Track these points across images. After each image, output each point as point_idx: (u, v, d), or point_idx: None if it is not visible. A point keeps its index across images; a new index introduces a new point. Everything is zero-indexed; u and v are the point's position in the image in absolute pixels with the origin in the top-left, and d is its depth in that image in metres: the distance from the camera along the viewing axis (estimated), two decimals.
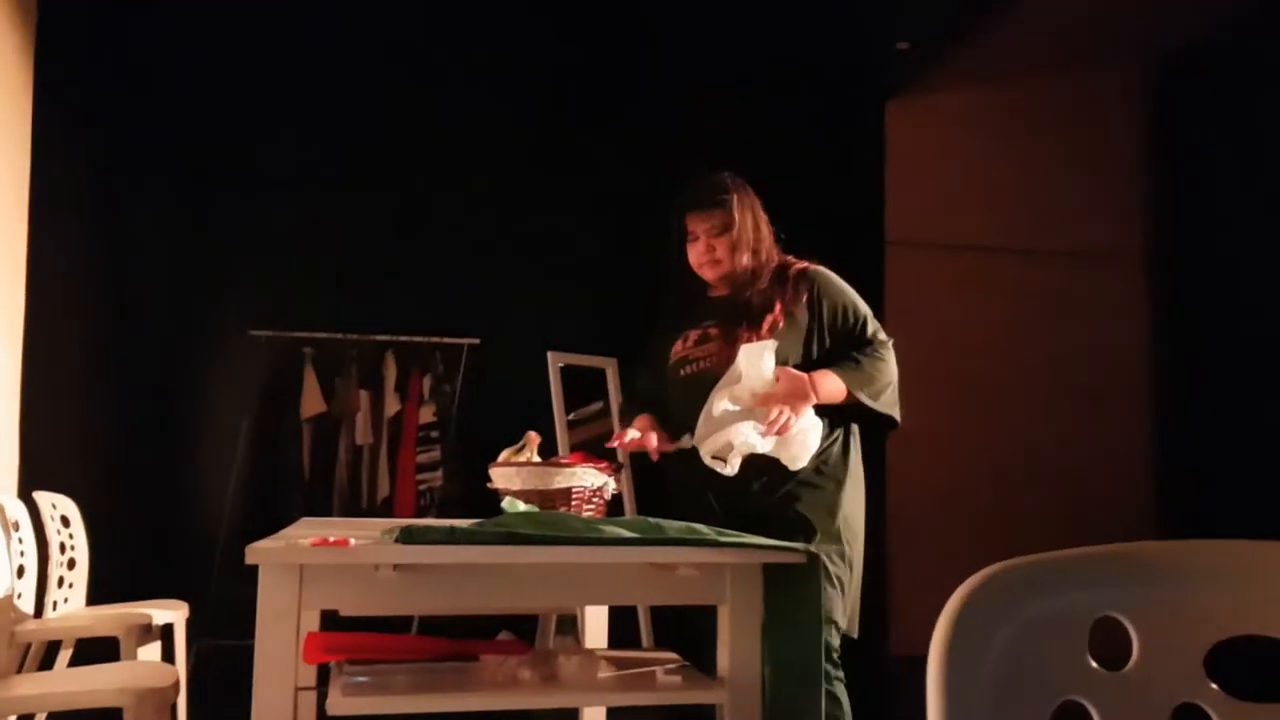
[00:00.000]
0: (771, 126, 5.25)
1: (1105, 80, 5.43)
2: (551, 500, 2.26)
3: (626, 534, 1.92)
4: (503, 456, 2.47)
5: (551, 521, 1.95)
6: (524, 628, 3.95)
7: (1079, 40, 4.85)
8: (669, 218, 2.74)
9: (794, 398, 2.44)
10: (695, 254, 2.69)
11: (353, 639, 2.10)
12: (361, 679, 1.94)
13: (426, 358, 5.21)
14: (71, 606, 3.71)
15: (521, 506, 2.19)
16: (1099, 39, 4.91)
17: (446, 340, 5.21)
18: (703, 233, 2.67)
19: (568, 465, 2.35)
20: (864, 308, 2.68)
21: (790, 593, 1.96)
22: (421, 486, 5.09)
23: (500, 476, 2.37)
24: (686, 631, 2.35)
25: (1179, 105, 5.31)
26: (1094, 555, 0.69)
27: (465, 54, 5.33)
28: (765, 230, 2.70)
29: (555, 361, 4.89)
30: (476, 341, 5.22)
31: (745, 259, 2.64)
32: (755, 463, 2.43)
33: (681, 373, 2.65)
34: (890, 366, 2.62)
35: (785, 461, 2.42)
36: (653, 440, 2.58)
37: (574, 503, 2.29)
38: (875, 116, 5.68)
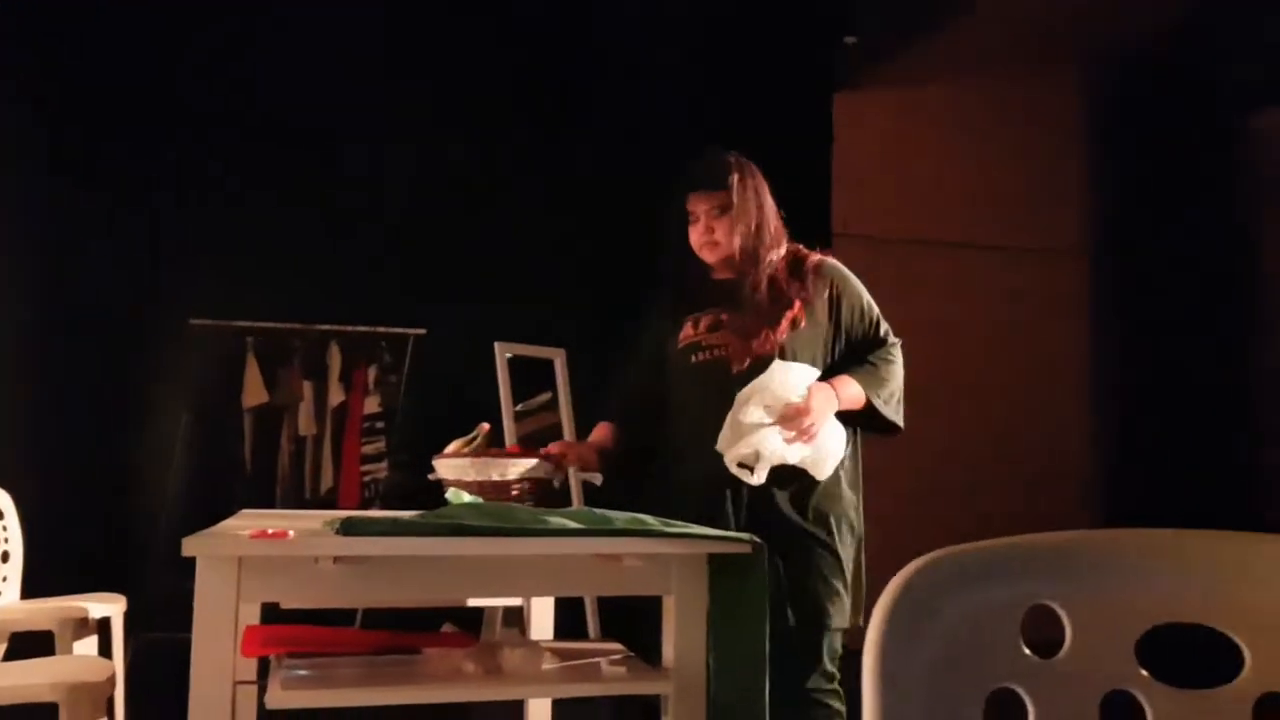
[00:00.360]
0: (720, 119, 5.26)
1: (1051, 78, 5.51)
2: (503, 492, 2.24)
3: (572, 525, 1.91)
4: (452, 447, 2.44)
5: (496, 513, 1.94)
6: (469, 620, 3.93)
7: (1026, 39, 4.92)
8: (670, 200, 2.70)
9: (822, 407, 2.48)
10: (695, 235, 2.66)
11: (292, 632, 2.08)
12: (302, 672, 1.92)
13: (372, 348, 5.16)
14: (5, 600, 3.63)
15: (466, 497, 2.17)
16: (1046, 38, 4.98)
17: (392, 330, 5.16)
18: (703, 213, 2.64)
19: (520, 457, 2.33)
20: (875, 306, 2.70)
21: (737, 583, 1.97)
22: (366, 478, 5.04)
23: (449, 468, 2.34)
24: (638, 621, 2.34)
25: (1122, 103, 5.40)
26: (1027, 544, 0.69)
27: (410, 41, 5.28)
28: (770, 213, 2.67)
29: (502, 352, 4.85)
30: (422, 332, 5.17)
31: (746, 241, 2.61)
32: (776, 470, 2.47)
33: (693, 359, 2.63)
34: (899, 369, 2.64)
35: (811, 470, 2.46)
36: (567, 464, 2.62)
37: (515, 493, 2.28)
38: (823, 110, 5.72)
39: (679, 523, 2.04)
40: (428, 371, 5.17)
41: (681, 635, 1.96)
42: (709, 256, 2.66)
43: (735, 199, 2.61)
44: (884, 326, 2.69)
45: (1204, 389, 4.97)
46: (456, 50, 5.31)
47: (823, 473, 2.48)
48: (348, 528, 1.83)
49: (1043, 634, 0.74)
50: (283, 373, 5.08)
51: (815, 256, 2.69)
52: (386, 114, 5.22)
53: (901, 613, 0.66)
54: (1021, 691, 0.68)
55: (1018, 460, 5.58)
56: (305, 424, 5.02)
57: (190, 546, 1.76)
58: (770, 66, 5.52)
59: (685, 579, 1.97)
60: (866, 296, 2.70)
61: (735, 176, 2.63)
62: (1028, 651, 0.69)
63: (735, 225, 2.61)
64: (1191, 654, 0.92)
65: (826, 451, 2.48)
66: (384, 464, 5.06)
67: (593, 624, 4.67)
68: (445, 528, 1.83)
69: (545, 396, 5.16)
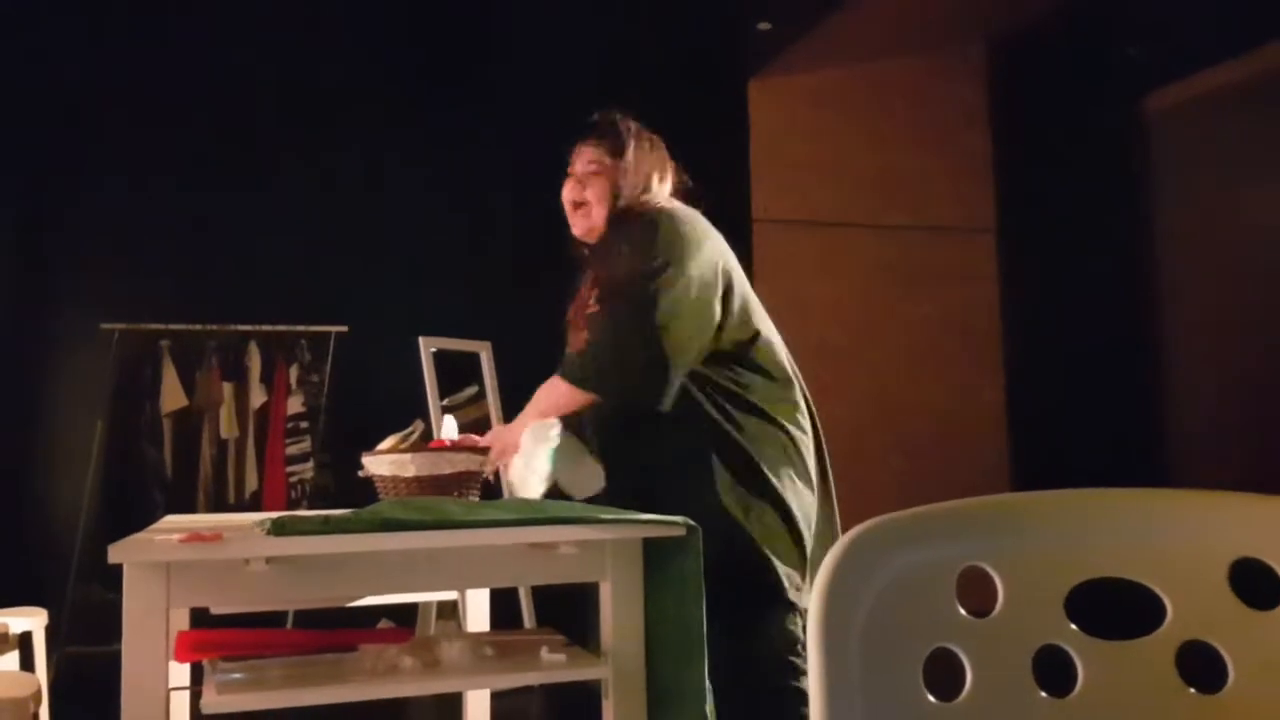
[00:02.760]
0: (635, 107, 5.27)
1: (954, 60, 5.62)
2: (445, 488, 2.22)
3: (505, 516, 1.91)
4: (388, 444, 2.39)
5: (427, 507, 1.93)
6: (406, 616, 3.90)
7: (933, 21, 5.00)
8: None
9: (500, 436, 2.35)
10: (565, 190, 2.37)
11: (225, 635, 2.04)
12: (236, 675, 1.89)
13: (292, 347, 5.08)
14: None
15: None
16: (952, 20, 5.07)
17: (313, 328, 5.09)
18: (579, 165, 2.35)
19: (462, 449, 2.29)
20: (672, 251, 2.17)
21: (672, 566, 1.98)
22: (292, 479, 4.97)
23: (385, 464, 2.29)
24: (576, 608, 2.33)
25: (1026, 83, 5.53)
26: (959, 508, 0.72)
27: (321, 33, 5.20)
28: (657, 190, 2.33)
29: (427, 346, 4.82)
30: (344, 329, 5.11)
31: (613, 213, 2.30)
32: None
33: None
34: (631, 335, 2.16)
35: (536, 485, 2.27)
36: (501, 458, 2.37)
37: (464, 490, 2.25)
38: (739, 96, 5.76)
39: (612, 509, 2.05)
40: (351, 369, 5.11)
41: (619, 620, 1.97)
42: (575, 224, 2.36)
43: (624, 161, 2.31)
44: (662, 265, 2.16)
45: (1111, 358, 5.13)
46: (366, 39, 5.24)
47: (534, 487, 2.26)
48: (279, 528, 1.80)
49: (979, 596, 0.76)
50: (201, 375, 4.98)
51: (648, 207, 2.30)
52: (299, 108, 5.13)
53: (841, 578, 0.68)
54: (958, 650, 0.70)
55: (937, 429, 5.71)
56: (227, 427, 4.93)
57: (117, 553, 1.72)
58: (684, 55, 5.55)
59: (621, 564, 1.98)
60: (665, 240, 2.19)
61: (629, 140, 2.34)
62: (963, 611, 0.71)
63: (610, 193, 2.30)
64: (1117, 607, 0.96)
65: (524, 462, 2.27)
66: (309, 464, 4.99)
67: (528, 614, 4.67)
68: (376, 523, 1.82)
69: (472, 390, 5.14)
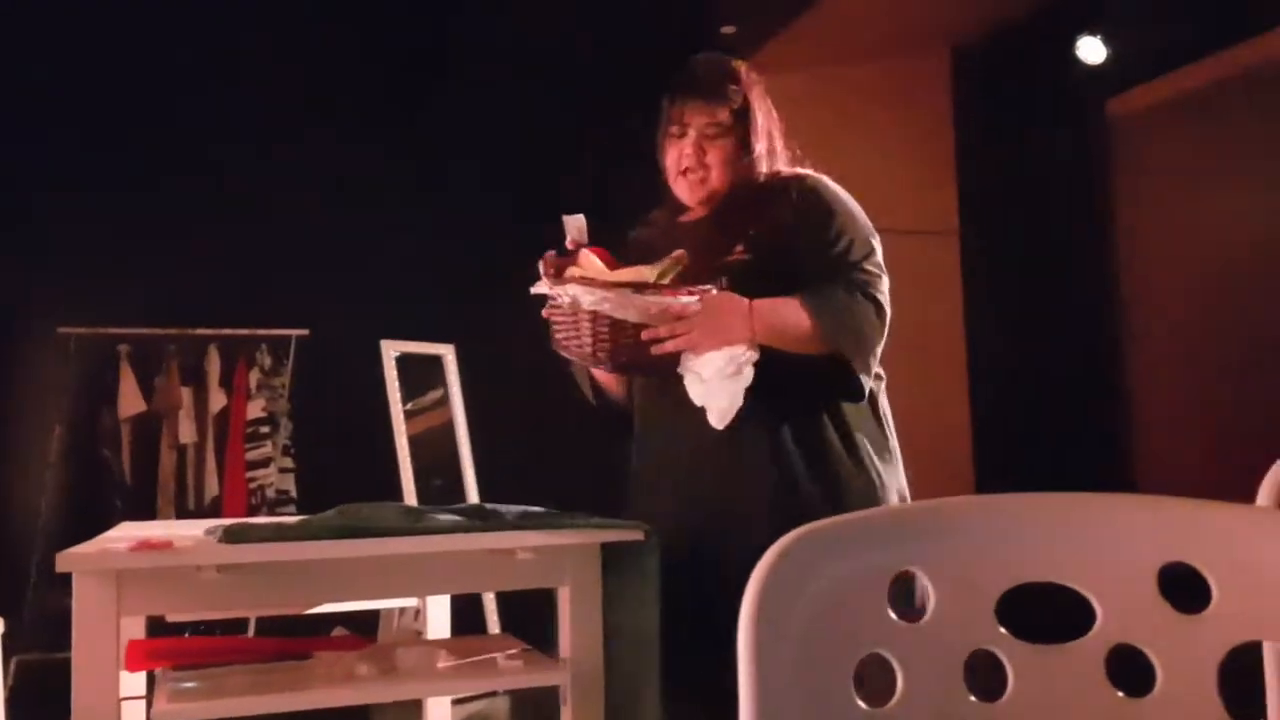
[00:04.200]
0: (599, 112, 5.27)
1: (917, 66, 5.65)
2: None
3: (462, 521, 1.91)
4: (635, 272, 1.92)
5: (382, 514, 1.92)
6: (369, 621, 3.88)
7: (892, 28, 5.03)
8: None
9: (713, 319, 1.87)
10: (676, 154, 2.04)
11: (177, 643, 2.03)
12: (189, 684, 1.87)
13: (252, 350, 5.04)
14: None
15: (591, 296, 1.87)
16: (911, 27, 5.10)
17: (273, 332, 5.05)
18: (696, 126, 2.02)
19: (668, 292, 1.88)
20: (864, 228, 2.05)
21: (631, 570, 1.98)
22: (253, 484, 4.93)
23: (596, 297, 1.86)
24: (542, 612, 2.23)
25: (988, 87, 5.57)
26: (890, 514, 0.72)
27: (280, 33, 5.15)
28: (779, 145, 2.11)
29: (390, 350, 4.80)
30: (305, 332, 5.07)
31: (742, 178, 2.04)
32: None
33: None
34: (873, 311, 1.96)
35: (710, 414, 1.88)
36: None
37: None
38: None
39: (570, 514, 2.05)
40: (313, 373, 5.08)
41: (577, 626, 1.97)
42: (687, 190, 2.05)
43: (752, 118, 2.04)
44: (866, 252, 2.01)
45: (1075, 359, 5.18)
46: (326, 43, 5.20)
47: (710, 417, 1.87)
48: (231, 535, 1.79)
49: (913, 601, 0.76)
50: (160, 380, 4.93)
51: (790, 173, 2.09)
52: (258, 109, 5.08)
53: (772, 588, 0.68)
54: (889, 656, 0.70)
55: (903, 434, 5.73)
56: (186, 432, 4.88)
57: (65, 562, 1.70)
58: (649, 61, 5.54)
59: (579, 570, 1.98)
60: (848, 211, 2.05)
61: (747, 91, 2.05)
62: (894, 617, 0.71)
63: (738, 157, 2.02)
64: (1048, 611, 0.97)
65: (707, 389, 1.88)
66: (271, 469, 4.95)
67: (492, 618, 4.66)
68: (331, 531, 1.81)
69: (437, 393, 5.13)
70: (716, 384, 1.85)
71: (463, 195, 5.25)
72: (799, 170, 2.10)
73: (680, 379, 1.91)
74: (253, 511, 4.86)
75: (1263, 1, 3.88)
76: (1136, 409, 5.10)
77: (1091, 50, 4.70)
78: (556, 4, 5.14)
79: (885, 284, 2.02)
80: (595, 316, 1.83)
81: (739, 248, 1.98)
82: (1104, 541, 0.72)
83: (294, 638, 2.14)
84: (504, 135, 5.24)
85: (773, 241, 1.99)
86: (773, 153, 2.09)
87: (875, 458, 2.05)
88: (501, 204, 5.07)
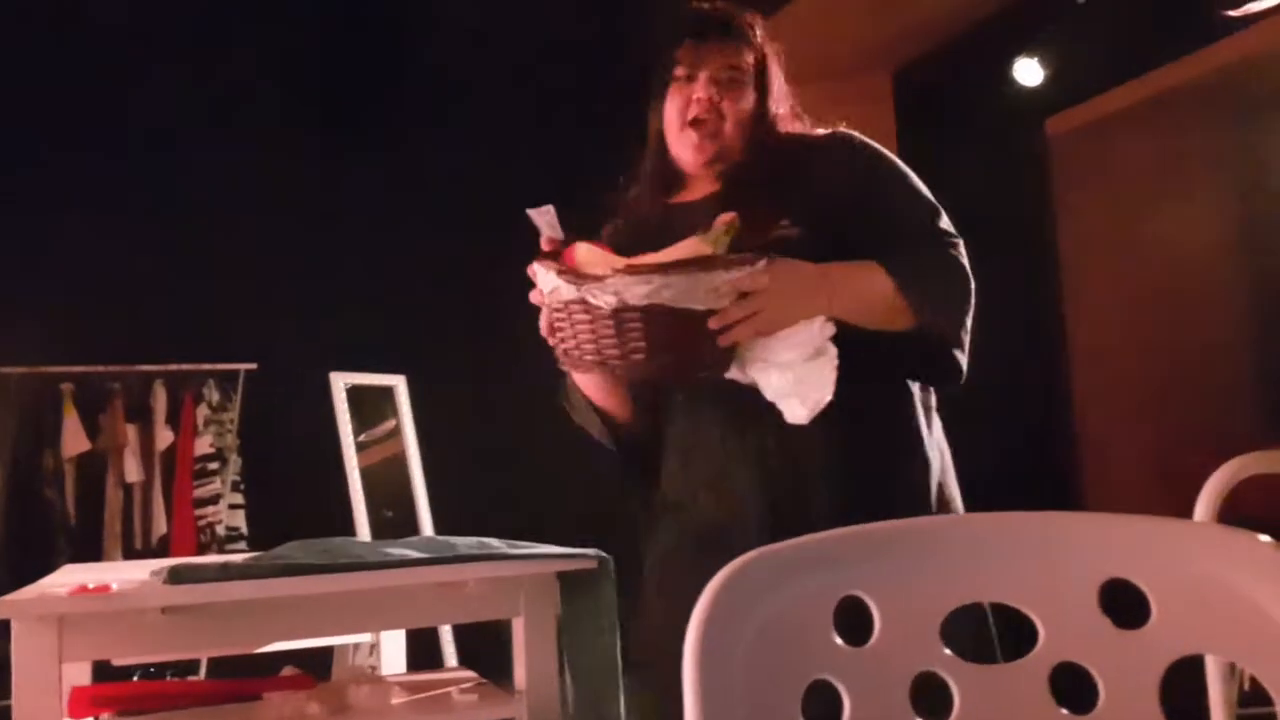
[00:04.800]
0: (551, 130, 5.28)
1: (860, 88, 5.72)
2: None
3: (412, 555, 1.88)
4: (689, 247, 1.51)
5: (332, 549, 1.89)
6: (322, 658, 3.82)
7: (834, 52, 5.09)
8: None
9: (784, 291, 1.50)
10: (682, 101, 1.69)
11: (123, 689, 1.98)
12: None
13: (199, 386, 4.97)
14: None
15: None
16: (852, 50, 5.17)
17: (220, 366, 4.98)
18: (710, 69, 1.68)
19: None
20: (929, 195, 1.74)
21: (586, 597, 1.97)
22: (202, 522, 4.85)
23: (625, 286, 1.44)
24: (499, 644, 2.14)
25: (924, 110, 5.66)
26: (834, 539, 0.72)
27: (225, 60, 5.10)
28: (789, 108, 1.78)
29: (340, 382, 4.75)
30: (254, 366, 5.01)
31: (760, 131, 1.70)
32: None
33: None
34: (966, 275, 1.68)
35: (784, 413, 1.51)
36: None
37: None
38: (645, 122, 5.79)
39: (524, 543, 2.03)
40: (262, 407, 5.01)
41: (532, 657, 1.95)
42: (694, 149, 1.68)
43: (767, 66, 1.72)
44: (939, 214, 1.72)
45: (1018, 377, 5.24)
46: (274, 70, 5.16)
47: (792, 412, 1.50)
48: (175, 576, 1.76)
49: (861, 626, 0.76)
50: (104, 418, 4.84)
51: (823, 132, 1.78)
52: (203, 138, 5.02)
53: (717, 615, 0.68)
54: (836, 682, 0.70)
55: None
56: (132, 470, 4.80)
57: (3, 609, 1.66)
58: (602, 88, 5.56)
59: (533, 600, 1.96)
60: (912, 178, 1.73)
61: (766, 42, 1.74)
62: (840, 642, 0.71)
63: (755, 112, 1.70)
64: (992, 631, 0.97)
65: (795, 375, 1.51)
66: (220, 506, 4.88)
67: (450, 650, 4.60)
68: (276, 569, 1.78)
69: (390, 424, 5.08)
70: (802, 367, 1.49)
71: (412, 224, 5.22)
72: (836, 129, 1.77)
73: (724, 382, 1.55)
74: (202, 549, 4.77)
75: (1191, 22, 3.97)
76: (1080, 422, 5.17)
77: (1028, 71, 4.79)
78: (513, 23, 5.14)
79: (960, 242, 1.72)
80: (645, 312, 1.42)
81: (783, 221, 1.60)
82: (1045, 560, 0.73)
83: (245, 678, 2.10)
84: (453, 163, 5.22)
85: (827, 210, 1.62)
86: (791, 119, 1.77)
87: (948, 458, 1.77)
88: (447, 231, 5.05)
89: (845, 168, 1.70)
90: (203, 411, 4.95)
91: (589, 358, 1.50)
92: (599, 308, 1.45)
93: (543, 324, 1.56)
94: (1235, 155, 5.09)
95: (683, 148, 1.72)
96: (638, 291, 1.42)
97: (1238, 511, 1.69)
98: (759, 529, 1.54)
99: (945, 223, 1.72)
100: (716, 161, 1.70)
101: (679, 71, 1.71)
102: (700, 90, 1.68)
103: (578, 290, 1.45)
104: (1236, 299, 5.54)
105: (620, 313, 1.44)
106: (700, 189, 1.74)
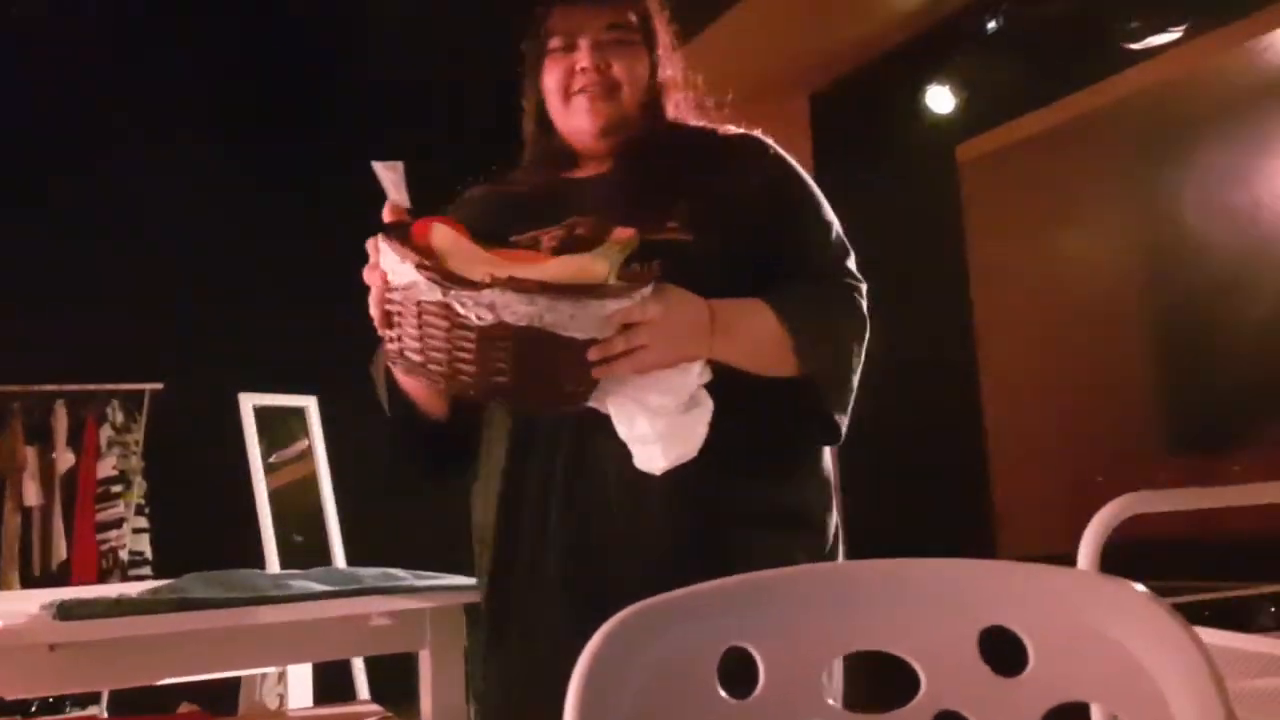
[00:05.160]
0: (464, 140, 5.23)
1: (776, 112, 5.80)
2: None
3: (315, 587, 1.84)
4: (578, 265, 1.32)
5: (231, 582, 1.84)
6: (229, 688, 3.73)
7: (748, 76, 5.14)
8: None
9: (669, 325, 1.31)
10: (562, 71, 1.48)
11: None
12: None
13: (103, 406, 4.84)
14: None
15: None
16: (765, 75, 5.23)
17: (124, 386, 4.85)
18: (590, 32, 1.47)
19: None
20: (840, 229, 1.57)
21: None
22: (104, 547, 4.71)
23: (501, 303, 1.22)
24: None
25: (839, 135, 5.76)
26: (717, 589, 0.72)
27: (125, 70, 4.97)
28: (681, 75, 1.57)
29: (248, 402, 4.66)
30: (160, 386, 4.89)
31: (657, 98, 1.52)
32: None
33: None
34: (863, 325, 1.54)
35: (636, 457, 1.34)
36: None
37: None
38: None
39: (431, 574, 2.00)
40: (168, 428, 4.89)
41: (439, 689, 1.92)
42: (588, 115, 1.47)
43: (653, 26, 1.53)
44: (848, 252, 1.57)
45: (937, 397, 5.33)
46: (175, 82, 5.05)
47: (649, 460, 1.32)
48: (64, 611, 1.69)
49: (746, 678, 0.76)
50: (2, 439, 4.69)
51: (737, 131, 1.58)
52: (105, 150, 4.88)
53: (598, 670, 0.67)
54: None
55: None
56: (31, 494, 4.65)
57: None
58: (509, 109, 5.54)
59: (439, 633, 1.93)
60: (821, 197, 1.57)
61: (654, 11, 1.55)
62: (724, 694, 0.71)
63: (649, 74, 1.50)
64: (874, 678, 0.98)
65: (664, 424, 1.33)
66: (123, 530, 4.74)
67: (361, 681, 4.53)
68: (173, 604, 1.73)
69: (301, 445, 4.99)
70: (674, 417, 1.33)
71: (326, 243, 5.13)
72: (750, 132, 1.57)
73: (588, 413, 1.37)
74: (104, 575, 4.64)
75: (1097, 53, 4.09)
76: (991, 446, 5.27)
77: (940, 98, 4.89)
78: (434, 41, 5.09)
79: (863, 286, 1.56)
80: (520, 333, 1.22)
81: (670, 224, 1.41)
82: (926, 608, 0.73)
83: (142, 714, 2.03)
84: (363, 183, 5.15)
85: (727, 220, 1.44)
86: (687, 102, 1.56)
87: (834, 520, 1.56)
88: (360, 248, 4.98)
89: (754, 177, 1.51)
90: (106, 433, 4.82)
91: (435, 368, 1.28)
92: (464, 318, 1.22)
93: (374, 310, 1.33)
94: (1140, 181, 5.26)
95: (574, 117, 1.50)
96: (518, 311, 1.22)
97: (1134, 532, 1.75)
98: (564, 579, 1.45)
99: (852, 263, 1.57)
100: (612, 132, 1.50)
101: (554, 43, 1.50)
102: (584, 58, 1.46)
103: (443, 294, 1.22)
104: (1142, 322, 5.71)
105: (489, 330, 1.23)
106: (592, 166, 1.54)
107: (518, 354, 1.25)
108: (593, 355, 1.29)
